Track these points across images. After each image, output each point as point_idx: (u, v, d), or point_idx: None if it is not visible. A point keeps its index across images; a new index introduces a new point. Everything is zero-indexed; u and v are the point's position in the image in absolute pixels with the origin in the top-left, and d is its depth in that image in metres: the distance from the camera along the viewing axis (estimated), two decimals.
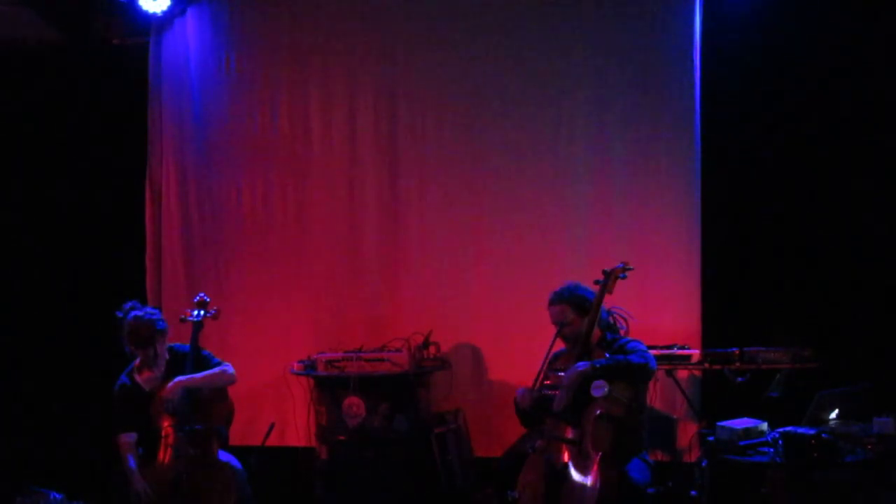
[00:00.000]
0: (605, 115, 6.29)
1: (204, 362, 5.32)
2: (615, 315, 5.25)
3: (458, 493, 6.05)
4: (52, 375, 6.91)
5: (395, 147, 6.61)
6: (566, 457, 4.85)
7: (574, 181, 6.33)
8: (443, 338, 6.28)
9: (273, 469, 5.94)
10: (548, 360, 5.16)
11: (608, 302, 5.15)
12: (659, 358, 5.54)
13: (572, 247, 6.27)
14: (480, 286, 6.45)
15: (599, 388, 4.78)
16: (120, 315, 5.26)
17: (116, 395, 5.31)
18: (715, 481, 4.85)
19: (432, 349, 6.21)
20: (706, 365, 5.70)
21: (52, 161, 7.06)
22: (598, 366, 4.84)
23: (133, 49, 6.96)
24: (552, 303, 5.18)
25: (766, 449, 4.82)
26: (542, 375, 5.10)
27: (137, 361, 5.35)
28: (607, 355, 4.94)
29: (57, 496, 5.61)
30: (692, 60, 6.10)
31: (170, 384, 5.17)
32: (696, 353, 5.73)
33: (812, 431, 4.70)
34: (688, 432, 5.96)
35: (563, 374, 4.93)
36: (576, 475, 4.79)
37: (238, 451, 5.44)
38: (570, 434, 4.88)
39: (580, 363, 4.89)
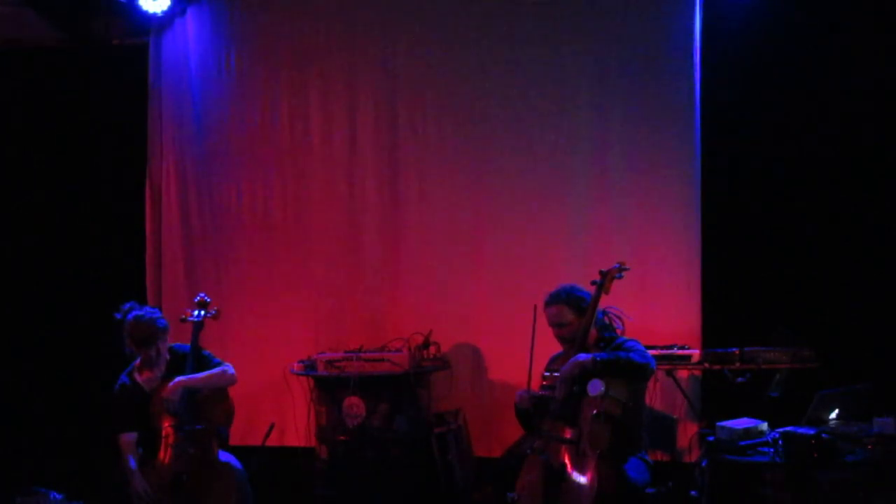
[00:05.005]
0: (605, 116, 6.29)
1: (204, 362, 5.32)
2: (610, 315, 5.25)
3: (458, 493, 6.05)
4: (52, 375, 6.92)
5: (395, 147, 6.61)
6: (564, 457, 4.85)
7: (574, 181, 6.34)
8: (443, 338, 6.28)
9: (273, 469, 5.94)
10: (533, 357, 5.16)
11: (605, 302, 5.15)
12: (659, 358, 5.54)
13: (572, 247, 6.28)
14: (480, 286, 6.45)
15: (596, 387, 4.78)
16: (119, 316, 5.27)
17: (116, 395, 5.31)
18: (715, 481, 4.84)
19: (432, 349, 6.21)
20: (706, 365, 5.69)
21: (52, 161, 7.06)
22: (598, 359, 4.84)
23: (133, 49, 6.97)
24: (549, 304, 5.17)
25: (766, 449, 4.81)
26: (531, 374, 5.10)
27: (138, 361, 5.35)
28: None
29: (57, 496, 5.61)
30: (692, 60, 6.10)
31: (170, 384, 5.17)
32: (696, 353, 5.73)
33: (812, 431, 4.70)
34: (688, 432, 5.95)
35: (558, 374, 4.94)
36: (574, 475, 4.78)
37: (238, 451, 5.44)
38: (567, 434, 4.88)
39: (581, 354, 4.89)
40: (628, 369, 4.86)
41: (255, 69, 6.81)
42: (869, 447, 4.69)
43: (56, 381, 6.92)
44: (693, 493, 4.98)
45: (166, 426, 5.20)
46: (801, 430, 4.73)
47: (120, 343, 5.29)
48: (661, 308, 6.08)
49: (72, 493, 5.70)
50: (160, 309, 5.89)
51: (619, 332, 5.24)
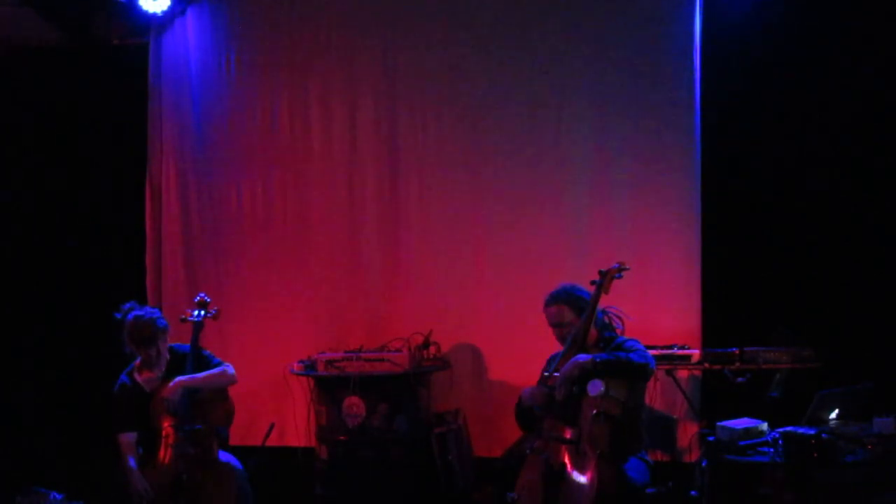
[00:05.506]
0: (606, 116, 6.29)
1: (204, 362, 5.33)
2: (610, 315, 5.25)
3: (458, 493, 6.05)
4: (52, 375, 6.92)
5: (395, 147, 6.61)
6: (564, 457, 4.85)
7: (574, 181, 6.33)
8: (443, 338, 6.28)
9: (273, 469, 5.94)
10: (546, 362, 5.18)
11: (605, 302, 5.15)
12: (659, 358, 5.54)
13: (572, 247, 6.27)
14: (480, 286, 6.45)
15: (596, 387, 4.78)
16: (119, 316, 5.27)
17: (116, 395, 5.32)
18: (715, 481, 4.84)
19: (432, 349, 6.21)
20: (706, 365, 5.69)
21: (52, 161, 7.06)
22: (598, 360, 4.84)
23: (133, 49, 6.97)
24: (549, 304, 5.19)
25: (766, 449, 4.81)
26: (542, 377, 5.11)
27: (138, 361, 5.36)
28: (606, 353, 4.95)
29: (57, 496, 5.61)
30: (692, 60, 6.10)
31: (170, 384, 5.18)
32: (696, 353, 5.73)
33: (812, 431, 4.70)
34: (688, 432, 5.95)
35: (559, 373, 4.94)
36: (574, 475, 4.78)
37: (238, 451, 5.45)
38: (567, 434, 4.88)
39: (580, 355, 4.89)
40: (628, 369, 4.87)
41: (255, 69, 6.80)
42: (869, 447, 4.69)
43: (56, 381, 6.92)
44: (693, 493, 4.98)
45: (166, 426, 5.20)
46: (801, 430, 4.73)
47: (120, 343, 5.29)
48: (661, 308, 6.08)
49: (72, 493, 5.69)
50: (160, 309, 5.89)
51: (619, 331, 5.24)
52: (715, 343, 5.83)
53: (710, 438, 4.95)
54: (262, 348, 6.60)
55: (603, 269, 5.06)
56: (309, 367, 6.17)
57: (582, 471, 4.77)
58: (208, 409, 5.26)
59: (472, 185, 6.50)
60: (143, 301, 6.09)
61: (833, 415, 5.04)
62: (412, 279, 6.57)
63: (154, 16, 6.73)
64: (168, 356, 5.33)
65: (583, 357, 4.88)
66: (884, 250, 5.89)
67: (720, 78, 6.09)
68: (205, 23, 6.85)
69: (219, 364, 5.34)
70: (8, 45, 7.02)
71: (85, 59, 7.03)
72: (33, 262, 7.05)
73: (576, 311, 5.11)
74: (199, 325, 5.46)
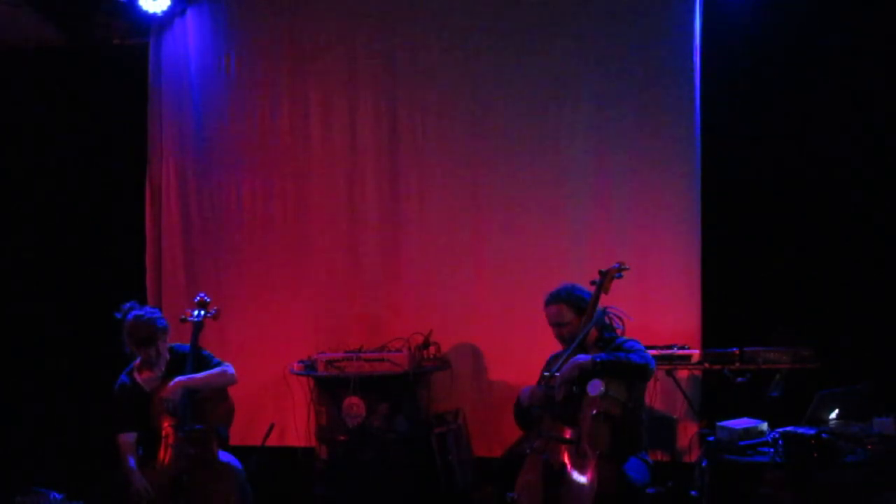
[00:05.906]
0: (606, 117, 6.29)
1: (204, 362, 5.33)
2: (611, 315, 5.24)
3: (458, 493, 6.05)
4: (51, 375, 6.92)
5: (395, 147, 6.61)
6: (564, 457, 4.85)
7: (574, 181, 6.34)
8: (443, 338, 6.28)
9: (273, 469, 5.94)
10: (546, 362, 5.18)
11: (605, 302, 5.15)
12: (659, 358, 5.55)
13: (572, 247, 6.28)
14: (480, 286, 6.45)
15: (596, 387, 4.78)
16: (119, 316, 5.27)
17: (116, 394, 5.32)
18: (715, 481, 4.84)
19: (432, 349, 6.21)
20: (706, 365, 5.70)
21: (52, 161, 7.06)
22: (598, 360, 4.84)
23: (133, 49, 6.97)
24: (549, 303, 5.19)
25: (766, 449, 4.82)
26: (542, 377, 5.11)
27: (137, 361, 5.36)
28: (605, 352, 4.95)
29: (57, 496, 5.60)
30: (692, 61, 6.10)
31: (170, 384, 5.17)
32: (696, 353, 5.73)
33: (812, 431, 4.70)
34: (688, 432, 5.96)
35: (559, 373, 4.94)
36: (574, 475, 4.78)
37: (238, 451, 5.45)
38: (567, 434, 4.88)
39: (580, 356, 4.89)
40: (628, 370, 4.87)
41: (255, 69, 6.80)
42: (869, 447, 4.69)
43: (56, 380, 6.92)
44: (693, 493, 4.99)
45: (166, 426, 5.20)
46: (801, 430, 4.73)
47: (120, 343, 5.29)
48: (661, 308, 6.08)
49: (72, 493, 5.69)
50: (160, 309, 5.89)
51: (619, 332, 5.24)
52: (715, 343, 5.84)
53: (710, 438, 4.95)
54: (262, 348, 6.61)
55: (603, 269, 5.07)
56: (309, 367, 6.17)
57: (582, 471, 4.77)
58: (208, 409, 5.26)
59: (472, 184, 6.50)
60: (143, 301, 6.09)
61: (833, 415, 5.04)
62: (412, 279, 6.57)
63: (154, 16, 6.73)
64: (168, 356, 5.33)
65: (583, 357, 4.89)
66: (884, 250, 5.89)
67: (720, 78, 6.09)
68: (205, 23, 6.85)
69: (219, 364, 5.34)
70: (8, 45, 7.02)
71: (85, 59, 7.03)
72: (33, 263, 7.05)
73: (576, 311, 5.12)
74: (199, 325, 5.46)
